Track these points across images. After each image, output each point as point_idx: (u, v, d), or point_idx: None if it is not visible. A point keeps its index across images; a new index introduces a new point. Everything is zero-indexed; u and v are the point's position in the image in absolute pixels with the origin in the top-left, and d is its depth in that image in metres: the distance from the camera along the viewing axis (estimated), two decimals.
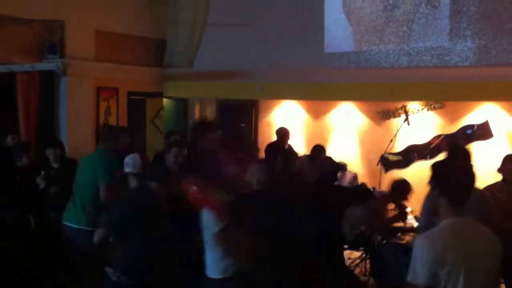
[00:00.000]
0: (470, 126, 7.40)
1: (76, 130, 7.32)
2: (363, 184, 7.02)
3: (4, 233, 4.80)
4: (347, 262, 6.44)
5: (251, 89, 8.42)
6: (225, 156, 4.10)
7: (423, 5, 7.28)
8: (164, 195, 3.50)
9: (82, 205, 4.60)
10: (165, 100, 9.49)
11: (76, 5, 7.51)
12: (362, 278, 5.95)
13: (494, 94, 6.75)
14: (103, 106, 8.13)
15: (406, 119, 7.45)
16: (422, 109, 7.79)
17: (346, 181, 7.25)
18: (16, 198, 4.96)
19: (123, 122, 8.38)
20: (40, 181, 5.19)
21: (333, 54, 7.93)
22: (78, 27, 7.58)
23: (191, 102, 9.72)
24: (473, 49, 6.87)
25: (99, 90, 8.01)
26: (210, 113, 9.77)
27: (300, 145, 8.15)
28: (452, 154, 4.17)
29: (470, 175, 2.59)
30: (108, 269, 3.29)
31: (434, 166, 2.62)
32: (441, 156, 6.87)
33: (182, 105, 9.78)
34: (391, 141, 7.50)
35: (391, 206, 5.10)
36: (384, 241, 5.29)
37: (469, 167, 3.80)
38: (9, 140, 6.25)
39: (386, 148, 7.48)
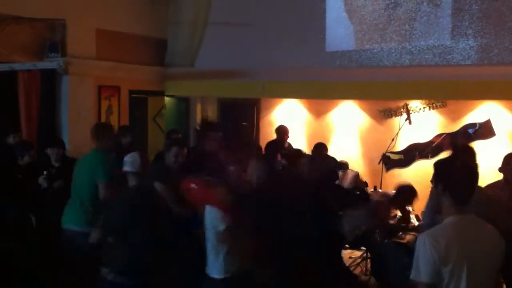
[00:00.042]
0: (472, 125, 7.39)
1: (78, 129, 7.31)
2: (365, 184, 7.00)
3: (4, 233, 4.82)
4: (348, 262, 6.45)
5: (252, 88, 8.41)
6: (225, 156, 4.10)
7: (425, 3, 7.26)
8: (167, 193, 3.48)
9: (81, 205, 4.58)
10: (166, 99, 9.49)
11: (77, 4, 7.50)
12: (363, 277, 5.96)
13: (496, 93, 6.74)
14: (104, 104, 8.12)
15: (408, 118, 7.44)
16: (423, 108, 7.78)
17: (347, 179, 7.23)
18: (17, 197, 4.96)
19: (125, 121, 8.38)
20: (42, 181, 5.18)
21: (335, 52, 7.92)
22: (79, 26, 7.58)
23: (192, 101, 9.73)
24: (475, 47, 6.85)
25: (100, 88, 8.01)
26: (212, 112, 9.78)
27: (301, 144, 8.15)
28: (456, 152, 4.17)
29: (473, 173, 2.58)
30: (104, 269, 3.28)
31: (437, 164, 2.61)
32: (442, 155, 6.86)
33: (184, 104, 9.78)
34: (392, 140, 7.49)
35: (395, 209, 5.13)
36: (385, 241, 5.28)
37: (472, 165, 3.80)
38: (11, 139, 6.26)
39: (388, 147, 7.47)
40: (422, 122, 7.75)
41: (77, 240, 4.44)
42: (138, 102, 8.85)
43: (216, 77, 8.69)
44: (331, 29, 7.98)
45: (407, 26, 7.36)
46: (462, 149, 4.44)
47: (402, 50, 7.39)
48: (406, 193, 4.75)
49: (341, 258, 4.76)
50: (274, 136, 7.93)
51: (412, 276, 2.44)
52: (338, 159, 7.41)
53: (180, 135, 7.10)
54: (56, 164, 5.42)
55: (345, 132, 8.47)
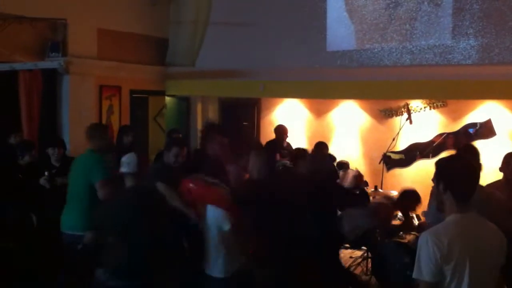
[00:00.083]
0: (473, 125, 7.40)
1: (79, 128, 7.26)
2: (365, 183, 7.01)
3: (4, 233, 4.82)
4: (349, 261, 6.46)
5: (253, 87, 8.41)
6: (225, 153, 4.10)
7: (425, 3, 7.25)
8: (170, 194, 3.46)
9: (78, 207, 4.51)
10: (167, 99, 9.49)
11: (78, 3, 7.51)
12: (364, 277, 5.96)
13: (497, 93, 6.73)
14: (105, 104, 8.13)
15: (409, 118, 7.44)
16: (424, 107, 7.78)
17: (348, 179, 7.23)
18: (17, 197, 4.97)
19: (126, 121, 8.39)
20: (44, 182, 5.17)
21: (335, 52, 7.92)
22: (80, 25, 7.58)
23: (193, 100, 9.73)
24: (476, 47, 6.85)
25: (101, 88, 8.02)
26: (212, 111, 9.79)
27: (302, 144, 8.15)
28: (461, 152, 4.17)
29: (474, 172, 2.58)
30: (98, 270, 3.27)
31: (438, 163, 2.62)
32: (443, 155, 6.86)
33: (185, 103, 9.79)
34: (393, 139, 7.49)
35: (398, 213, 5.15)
36: (386, 241, 5.29)
37: (474, 164, 3.80)
38: (12, 138, 6.28)
39: (389, 147, 7.47)
40: (423, 122, 7.75)
41: (75, 243, 4.39)
42: (139, 101, 8.86)
43: (217, 77, 8.70)
44: (332, 28, 7.97)
45: (407, 25, 7.36)
46: (465, 148, 4.44)
47: (403, 50, 7.39)
48: (410, 198, 4.79)
49: (339, 258, 4.76)
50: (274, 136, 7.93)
51: (414, 275, 2.45)
52: (339, 158, 7.43)
53: (180, 135, 7.11)
54: (57, 164, 5.42)
55: (346, 132, 8.47)
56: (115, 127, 8.15)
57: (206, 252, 3.65)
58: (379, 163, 7.55)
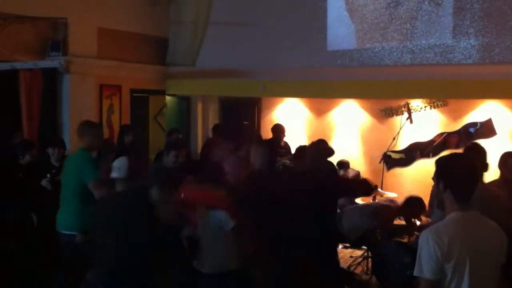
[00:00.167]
0: (473, 124, 7.40)
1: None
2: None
3: (4, 233, 4.82)
4: (349, 261, 6.46)
5: (253, 87, 8.41)
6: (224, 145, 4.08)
7: (426, 2, 7.25)
8: (162, 200, 3.43)
9: (71, 207, 4.46)
10: (168, 98, 9.50)
11: (79, 3, 7.51)
12: (364, 276, 5.96)
13: (498, 92, 6.73)
14: (106, 103, 8.13)
15: (409, 117, 7.43)
16: (425, 107, 7.78)
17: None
18: (17, 197, 4.97)
19: (126, 120, 8.40)
20: (46, 184, 5.16)
21: (336, 51, 7.92)
22: (81, 25, 7.58)
23: (193, 100, 9.74)
24: (477, 46, 6.84)
25: (102, 87, 8.02)
26: (213, 111, 9.79)
27: (302, 143, 8.14)
28: (466, 151, 4.16)
29: (474, 170, 2.58)
30: (91, 271, 3.25)
31: (438, 162, 2.62)
32: (444, 154, 6.85)
33: (185, 103, 9.79)
34: (393, 139, 7.49)
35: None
36: (386, 240, 5.29)
37: (479, 163, 3.79)
38: (12, 138, 6.29)
39: (389, 146, 7.47)
40: (423, 121, 7.74)
41: (71, 243, 4.36)
42: (140, 101, 8.86)
43: (217, 77, 8.70)
44: (332, 28, 7.97)
45: (408, 25, 7.36)
46: (470, 147, 4.41)
47: (404, 49, 7.38)
48: (415, 205, 4.79)
49: (337, 257, 4.77)
50: None
51: (415, 273, 2.45)
52: (339, 158, 7.43)
53: (180, 135, 7.11)
54: (56, 164, 5.42)
55: (346, 131, 8.47)
56: (116, 126, 8.16)
57: (205, 252, 3.66)
58: (380, 162, 7.54)
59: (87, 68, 7.65)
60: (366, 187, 4.94)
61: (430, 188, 4.72)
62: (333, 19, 7.96)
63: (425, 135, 7.75)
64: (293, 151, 6.83)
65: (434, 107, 7.75)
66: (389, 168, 7.87)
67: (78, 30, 7.56)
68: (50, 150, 5.49)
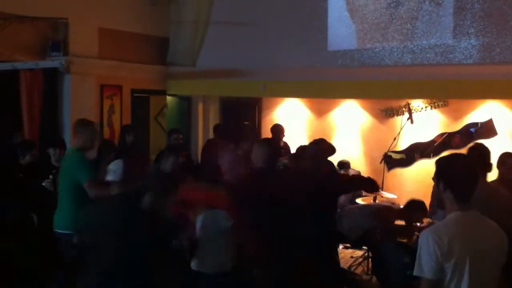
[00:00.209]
0: (474, 124, 7.39)
1: None
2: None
3: (4, 233, 4.82)
4: (350, 261, 6.46)
5: (254, 87, 8.41)
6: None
7: (427, 2, 7.25)
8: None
9: (68, 207, 4.45)
10: (168, 98, 9.50)
11: (79, 3, 7.52)
12: (364, 277, 5.96)
13: (498, 92, 6.73)
14: (106, 104, 8.14)
15: (410, 117, 7.43)
16: (425, 107, 7.77)
17: None
18: (17, 197, 4.97)
19: (127, 120, 8.40)
20: (48, 185, 5.16)
21: (337, 52, 7.91)
22: (81, 25, 7.59)
23: (194, 100, 9.74)
24: (477, 46, 6.84)
25: (102, 87, 8.02)
26: (214, 111, 9.79)
27: (303, 144, 8.14)
28: (469, 151, 4.15)
29: (474, 170, 2.59)
30: (88, 271, 3.23)
31: (438, 162, 2.62)
32: (444, 155, 6.85)
33: (186, 103, 9.79)
34: (394, 139, 7.48)
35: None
36: (386, 240, 5.29)
37: (480, 163, 3.78)
38: (13, 138, 6.29)
39: (389, 146, 7.46)
40: (424, 122, 7.74)
41: (68, 242, 4.34)
42: (140, 101, 8.86)
43: (218, 77, 8.70)
44: (333, 28, 7.97)
45: (409, 25, 7.35)
46: (473, 147, 4.39)
47: (404, 49, 7.38)
48: (415, 210, 4.79)
49: (338, 257, 4.77)
50: None
51: (415, 272, 2.45)
52: (340, 158, 7.42)
53: (181, 135, 7.10)
54: (57, 164, 5.42)
55: (347, 132, 8.47)
56: (116, 126, 8.17)
57: (205, 252, 3.66)
58: (380, 162, 7.54)
59: (87, 68, 7.65)
60: (371, 183, 4.93)
61: (431, 189, 4.72)
62: (333, 19, 7.95)
63: (426, 135, 7.75)
64: (293, 151, 6.84)
65: (435, 107, 7.74)
66: (389, 168, 7.86)
67: (79, 30, 7.57)
68: (51, 151, 5.49)
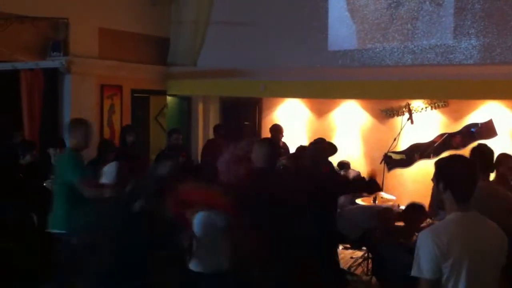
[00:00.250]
0: (474, 125, 7.38)
1: None
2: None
3: (4, 233, 4.81)
4: (350, 262, 6.45)
5: (254, 87, 8.41)
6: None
7: (427, 2, 7.25)
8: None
9: (61, 207, 4.45)
10: (168, 98, 9.50)
11: (80, 3, 7.52)
12: (364, 277, 5.96)
13: (499, 93, 6.72)
14: (106, 104, 8.14)
15: (410, 118, 7.42)
16: (426, 107, 7.77)
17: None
18: (17, 197, 4.97)
19: (127, 120, 8.40)
20: (50, 185, 5.15)
21: (337, 52, 7.92)
22: (82, 25, 7.59)
23: (194, 100, 9.74)
24: (478, 47, 6.84)
25: (103, 88, 8.02)
26: (214, 111, 9.79)
27: (303, 144, 8.14)
28: (471, 152, 4.14)
29: (474, 170, 2.58)
30: (86, 272, 3.22)
31: (438, 163, 2.63)
32: (444, 155, 6.85)
33: (186, 103, 9.79)
34: (394, 139, 7.48)
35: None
36: (386, 240, 5.28)
37: (481, 164, 3.78)
38: (13, 138, 6.30)
39: (390, 147, 7.45)
40: (424, 122, 7.74)
41: (63, 242, 4.36)
42: (140, 101, 8.87)
43: (218, 77, 8.70)
44: (333, 28, 7.97)
45: (409, 25, 7.35)
46: (475, 148, 4.39)
47: (404, 50, 7.38)
48: (415, 213, 4.80)
49: (337, 258, 4.77)
50: None
51: (413, 273, 2.45)
52: (340, 159, 7.42)
53: (181, 135, 7.10)
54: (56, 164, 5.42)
55: (347, 132, 8.46)
56: (116, 126, 8.18)
57: (204, 252, 3.66)
58: (380, 163, 7.53)
59: (88, 68, 7.66)
60: (372, 185, 4.93)
61: (431, 189, 4.72)
62: (334, 19, 7.96)
63: (426, 135, 7.74)
64: (292, 151, 6.84)
65: (435, 108, 7.74)
66: (389, 169, 7.85)
67: (79, 30, 7.57)
68: (51, 151, 5.50)
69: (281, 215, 3.57)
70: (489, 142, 6.92)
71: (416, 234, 5.15)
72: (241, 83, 8.58)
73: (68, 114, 7.50)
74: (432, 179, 2.63)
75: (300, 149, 5.40)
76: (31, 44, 7.21)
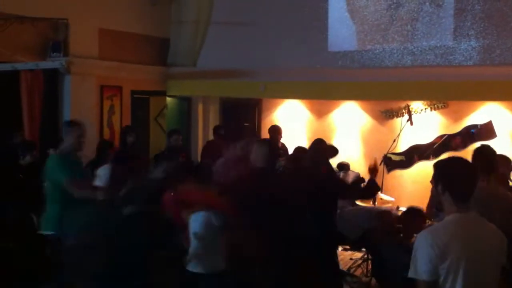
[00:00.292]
0: (474, 126, 7.39)
1: None
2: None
3: (4, 233, 4.81)
4: (349, 263, 6.45)
5: (254, 88, 8.42)
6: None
7: (427, 4, 7.26)
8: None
9: (52, 209, 4.49)
10: (168, 99, 9.50)
11: (80, 3, 7.52)
12: (364, 278, 5.96)
13: (498, 94, 6.73)
14: (106, 104, 8.14)
15: (409, 119, 7.42)
16: (425, 108, 7.77)
17: (349, 181, 7.22)
18: (17, 197, 4.97)
19: (127, 121, 8.40)
20: None
21: (337, 53, 7.92)
22: (82, 25, 7.59)
23: (194, 100, 9.74)
24: (477, 48, 6.85)
25: (102, 88, 8.03)
26: (214, 112, 9.79)
27: (303, 145, 8.14)
28: (473, 153, 4.14)
29: (472, 171, 2.59)
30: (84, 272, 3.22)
31: (437, 165, 2.63)
32: (444, 156, 6.86)
33: (186, 103, 9.80)
34: (394, 140, 7.47)
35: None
36: (386, 241, 5.28)
37: (472, 164, 3.77)
38: (13, 138, 6.29)
39: (389, 148, 7.45)
40: (424, 123, 7.74)
41: (53, 244, 4.38)
42: (140, 102, 8.87)
43: (218, 77, 8.70)
44: (333, 29, 7.98)
45: (409, 26, 7.36)
46: (478, 149, 4.38)
47: (404, 51, 7.39)
48: (413, 217, 4.80)
49: (337, 258, 4.78)
50: None
51: (410, 274, 2.45)
52: (340, 160, 7.42)
53: (181, 136, 7.10)
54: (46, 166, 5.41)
55: (347, 133, 8.46)
56: (116, 127, 8.18)
57: (204, 252, 3.67)
58: (380, 164, 7.52)
59: (88, 68, 7.66)
60: (371, 190, 4.95)
61: (430, 190, 4.72)
62: (334, 20, 7.96)
63: (426, 137, 7.74)
64: (291, 152, 6.83)
65: (435, 109, 7.74)
66: (389, 170, 7.85)
67: (79, 31, 7.57)
68: (51, 151, 5.48)
69: (281, 215, 3.58)
70: (488, 143, 6.99)
71: (415, 235, 5.17)
72: (241, 84, 8.58)
73: (68, 114, 7.50)
74: (431, 181, 2.64)
75: (298, 149, 5.39)
76: (31, 44, 7.21)
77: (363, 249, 6.26)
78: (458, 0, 7.03)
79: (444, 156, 6.98)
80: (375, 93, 7.57)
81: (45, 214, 4.56)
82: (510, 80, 6.38)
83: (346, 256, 6.72)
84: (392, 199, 6.69)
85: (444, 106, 7.67)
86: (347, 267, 6.32)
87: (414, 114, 7.60)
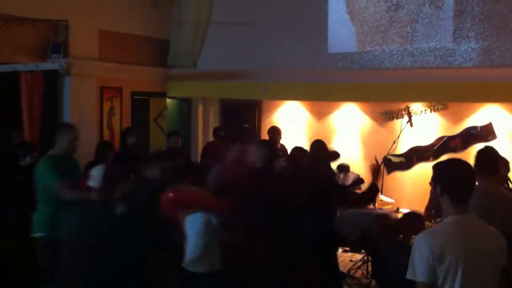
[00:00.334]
0: (474, 128, 7.39)
1: (80, 130, 7.33)
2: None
3: (4, 233, 4.80)
4: (349, 265, 6.45)
5: (254, 89, 8.42)
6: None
7: (427, 5, 7.26)
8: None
9: (43, 211, 4.48)
10: (168, 100, 9.50)
11: (80, 5, 7.53)
12: (364, 280, 5.95)
13: (498, 96, 6.74)
14: (106, 106, 8.14)
15: (409, 120, 7.43)
16: (425, 110, 7.78)
17: (349, 182, 7.22)
18: (17, 197, 4.97)
19: (127, 122, 8.40)
20: None
21: (337, 54, 7.92)
22: (82, 27, 7.60)
23: (194, 102, 9.74)
24: (477, 50, 6.85)
25: (102, 90, 8.03)
26: (214, 113, 9.79)
27: (303, 146, 8.14)
28: (476, 154, 4.13)
29: (470, 173, 2.59)
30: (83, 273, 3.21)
31: (435, 166, 2.64)
32: (444, 158, 6.86)
33: (186, 105, 9.80)
34: (394, 142, 7.48)
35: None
36: (385, 242, 5.28)
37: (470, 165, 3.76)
38: (14, 138, 6.29)
39: (389, 150, 7.46)
40: (424, 125, 7.75)
41: (42, 245, 4.39)
42: (140, 103, 8.87)
43: (218, 78, 8.71)
44: (333, 30, 7.98)
45: (408, 28, 7.36)
46: (481, 150, 4.37)
47: (404, 52, 7.39)
48: (411, 222, 4.80)
49: (337, 258, 4.77)
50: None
51: (408, 276, 2.46)
52: (339, 161, 7.41)
53: (180, 138, 7.10)
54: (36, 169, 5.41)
55: (347, 134, 8.47)
56: (116, 128, 8.18)
57: (203, 252, 3.67)
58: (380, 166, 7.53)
59: (88, 70, 7.66)
60: (373, 191, 4.96)
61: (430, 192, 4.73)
62: (334, 22, 7.97)
63: (425, 138, 7.75)
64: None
65: (435, 111, 7.75)
66: (389, 171, 7.86)
67: (79, 32, 7.58)
68: (51, 152, 5.48)
69: (281, 215, 3.57)
70: (488, 145, 6.99)
71: (413, 236, 5.16)
72: (241, 85, 8.59)
73: (68, 116, 7.50)
74: (430, 183, 2.64)
75: (296, 149, 5.39)
76: (31, 45, 7.22)
77: (363, 251, 6.26)
78: (457, 2, 7.03)
79: (444, 157, 6.98)
80: (375, 95, 7.57)
81: (36, 216, 4.55)
82: (510, 81, 6.39)
83: (346, 258, 6.72)
84: (392, 200, 6.69)
85: (444, 107, 7.68)
86: (347, 268, 6.32)
87: (414, 115, 7.61)
